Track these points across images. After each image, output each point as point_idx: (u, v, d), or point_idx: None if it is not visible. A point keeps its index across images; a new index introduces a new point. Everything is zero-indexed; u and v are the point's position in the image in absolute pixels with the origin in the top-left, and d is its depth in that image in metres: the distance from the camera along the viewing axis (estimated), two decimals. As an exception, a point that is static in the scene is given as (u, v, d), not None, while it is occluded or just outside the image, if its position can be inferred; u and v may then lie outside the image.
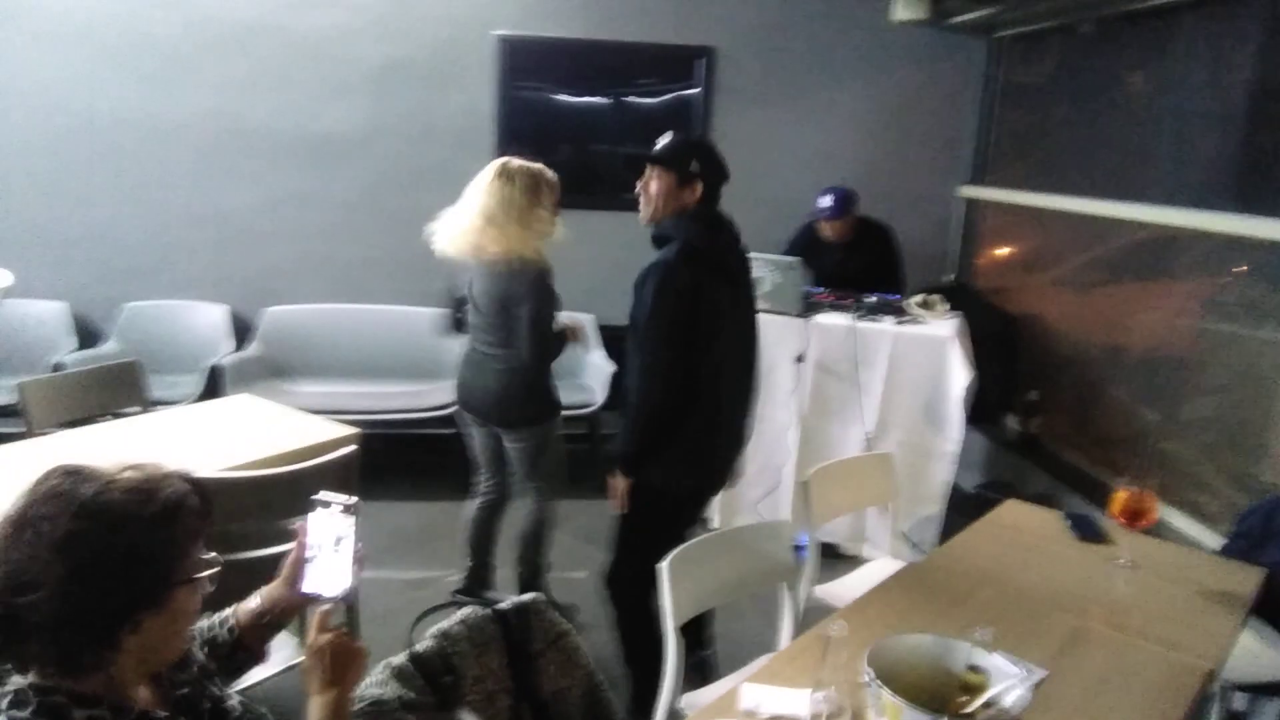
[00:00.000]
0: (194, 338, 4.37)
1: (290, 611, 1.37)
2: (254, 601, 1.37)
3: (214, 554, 1.13)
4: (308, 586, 1.30)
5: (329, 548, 1.29)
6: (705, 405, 2.30)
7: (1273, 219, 2.92)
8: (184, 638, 1.12)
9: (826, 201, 3.93)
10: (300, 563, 1.31)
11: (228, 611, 1.36)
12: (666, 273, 2.18)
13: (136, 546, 1.00)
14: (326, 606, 1.24)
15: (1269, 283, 3.07)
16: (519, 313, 2.72)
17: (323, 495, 1.31)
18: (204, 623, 1.34)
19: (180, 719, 1.11)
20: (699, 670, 2.63)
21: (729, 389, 2.40)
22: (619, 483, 2.33)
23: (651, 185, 2.30)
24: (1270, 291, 3.05)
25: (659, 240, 2.30)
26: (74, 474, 1.02)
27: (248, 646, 1.35)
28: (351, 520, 1.29)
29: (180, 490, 1.06)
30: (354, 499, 1.31)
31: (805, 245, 4.07)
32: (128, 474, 1.04)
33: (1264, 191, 3.13)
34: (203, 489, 1.10)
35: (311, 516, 1.30)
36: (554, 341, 2.83)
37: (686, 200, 2.27)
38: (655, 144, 2.34)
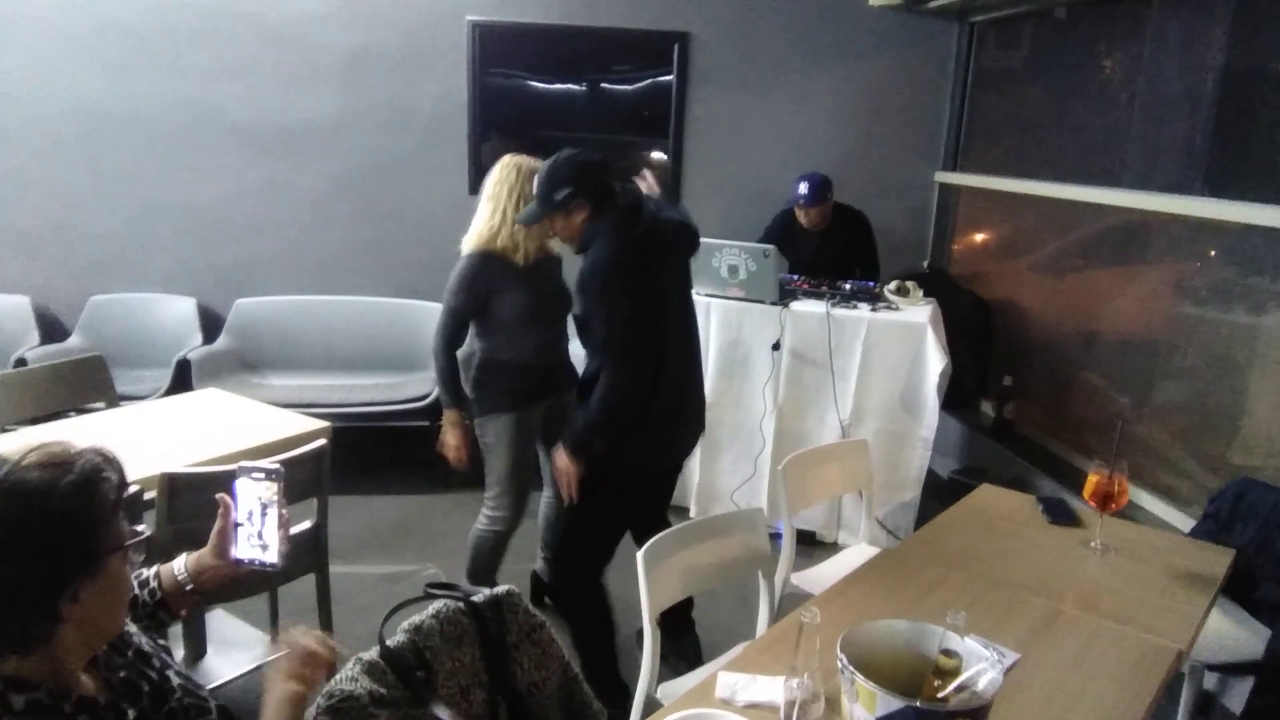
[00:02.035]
0: (161, 331, 4.30)
1: (218, 581, 1.38)
2: (177, 565, 1.38)
3: (141, 526, 1.14)
4: (238, 553, 1.35)
5: (256, 515, 1.35)
6: (664, 382, 2.35)
7: (1243, 203, 2.95)
8: (123, 609, 1.14)
9: (802, 188, 3.92)
10: (227, 531, 1.35)
11: (148, 573, 1.37)
12: (605, 279, 2.23)
13: (59, 514, 1.01)
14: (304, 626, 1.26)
15: (1239, 266, 3.09)
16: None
17: (244, 463, 1.36)
18: None
19: (122, 704, 1.10)
20: (684, 656, 2.63)
21: (681, 361, 2.46)
22: (574, 469, 2.34)
23: (553, 229, 2.40)
24: (1241, 275, 3.08)
25: (584, 249, 2.34)
26: None
27: (169, 608, 1.37)
28: (276, 486, 1.34)
29: (94, 461, 1.07)
30: (277, 465, 1.35)
31: (781, 232, 4.07)
32: (35, 454, 1.05)
33: (1235, 175, 3.16)
34: (117, 460, 1.11)
35: (236, 485, 1.35)
36: (454, 332, 2.63)
37: (581, 219, 2.33)
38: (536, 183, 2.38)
